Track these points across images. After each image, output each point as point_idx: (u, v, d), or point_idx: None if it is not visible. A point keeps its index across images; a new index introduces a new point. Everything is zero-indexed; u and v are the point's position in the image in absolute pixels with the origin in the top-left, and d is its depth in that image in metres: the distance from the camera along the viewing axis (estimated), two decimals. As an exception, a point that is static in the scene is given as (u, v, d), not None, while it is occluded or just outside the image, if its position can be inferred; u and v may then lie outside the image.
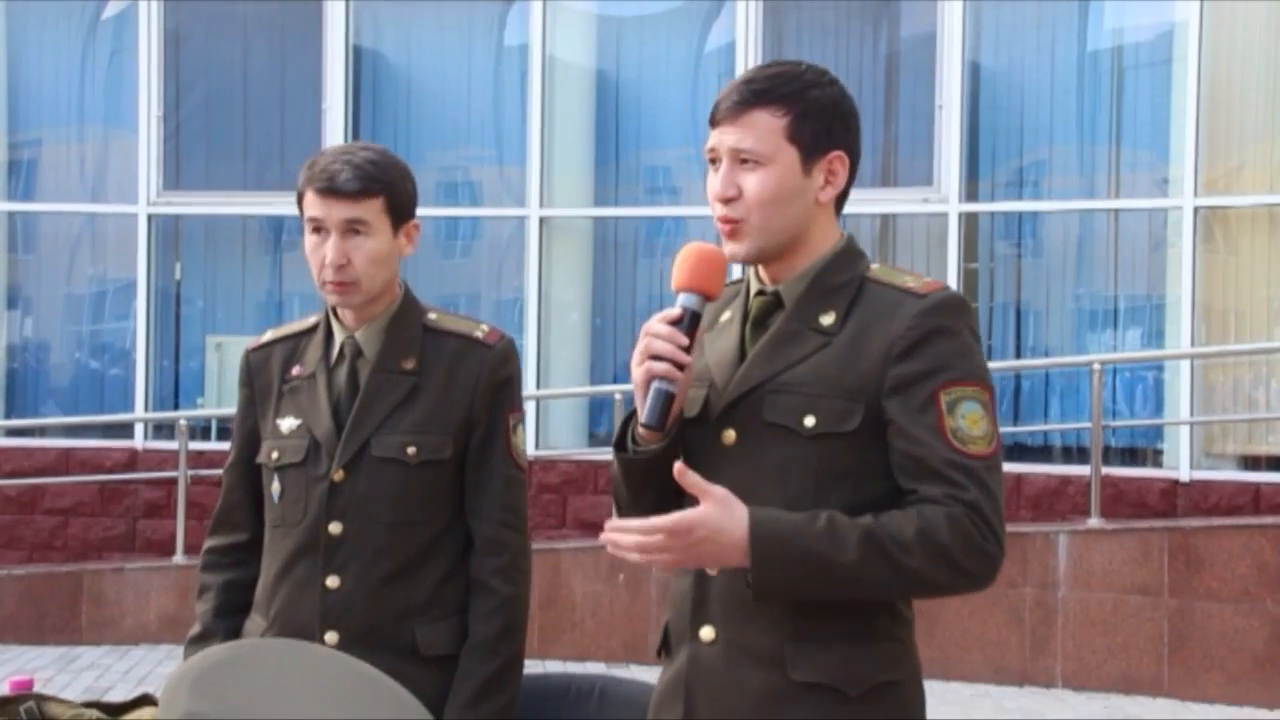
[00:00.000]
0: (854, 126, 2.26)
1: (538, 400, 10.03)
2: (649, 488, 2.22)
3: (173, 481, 9.43)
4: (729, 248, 2.20)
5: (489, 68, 10.67)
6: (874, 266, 2.23)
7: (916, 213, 9.85)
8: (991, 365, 9.55)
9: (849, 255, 2.24)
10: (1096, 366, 8.14)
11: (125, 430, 10.48)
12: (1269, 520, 7.61)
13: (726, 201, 2.18)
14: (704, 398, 2.21)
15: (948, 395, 2.10)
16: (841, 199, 2.27)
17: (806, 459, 2.12)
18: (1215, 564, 7.33)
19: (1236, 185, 9.43)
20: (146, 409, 10.53)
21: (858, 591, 2.08)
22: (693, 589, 2.21)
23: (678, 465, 2.05)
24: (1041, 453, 9.68)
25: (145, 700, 2.71)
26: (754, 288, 2.27)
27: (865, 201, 9.94)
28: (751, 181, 2.17)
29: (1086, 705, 7.31)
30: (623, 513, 2.28)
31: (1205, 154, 9.26)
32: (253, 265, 10.77)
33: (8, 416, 10.80)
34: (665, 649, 2.29)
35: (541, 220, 10.28)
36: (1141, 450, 9.55)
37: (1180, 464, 9.09)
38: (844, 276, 2.21)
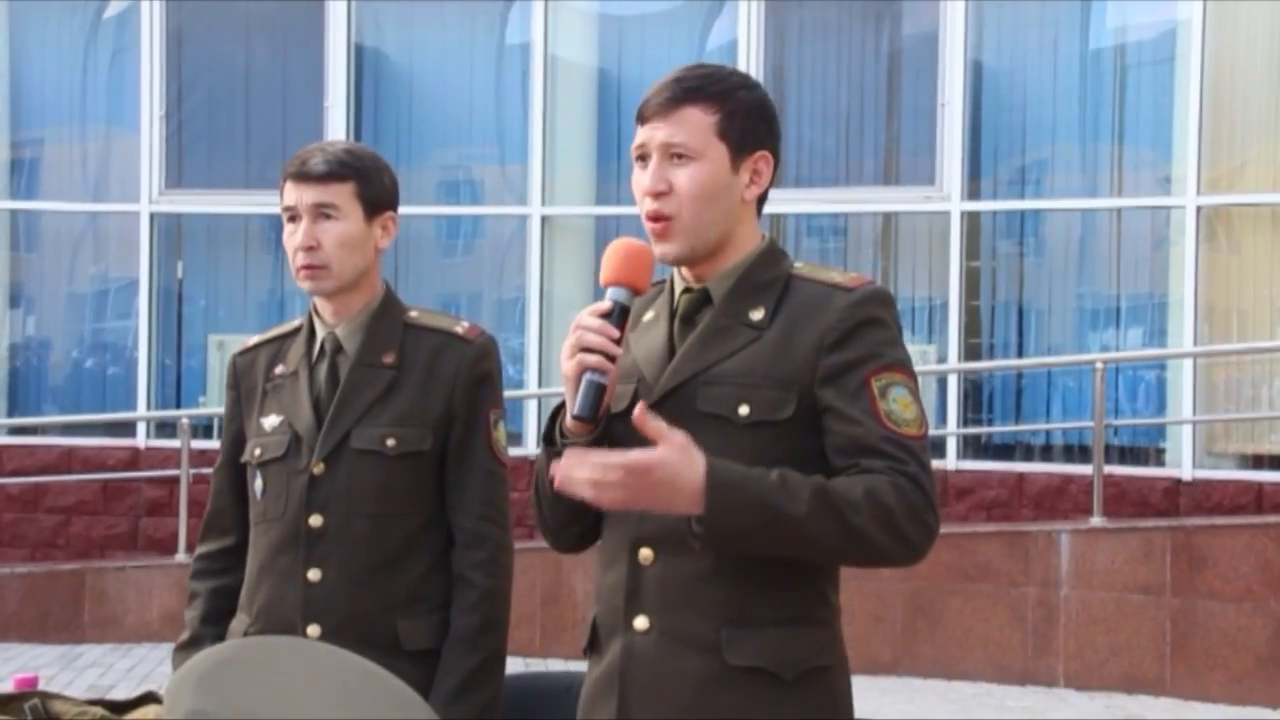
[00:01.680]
0: (776, 129, 2.30)
1: (539, 399, 10.03)
2: None
3: (175, 480, 9.43)
4: (659, 248, 2.24)
5: (491, 66, 10.68)
6: (797, 264, 2.29)
7: (918, 211, 9.85)
8: (993, 364, 9.64)
9: (772, 254, 2.29)
10: (1099, 365, 8.14)
11: (127, 429, 10.49)
12: (1271, 519, 7.61)
13: (657, 196, 2.22)
14: (632, 392, 2.24)
15: (878, 380, 2.16)
16: (762, 199, 2.31)
17: (740, 448, 2.15)
18: (1218, 563, 7.33)
19: (1239, 184, 9.42)
20: (149, 407, 10.54)
21: (800, 547, 2.11)
22: (625, 580, 2.23)
23: (638, 410, 2.07)
24: (1043, 452, 9.68)
25: (149, 698, 2.71)
26: (679, 286, 2.31)
27: (867, 200, 9.95)
28: (683, 176, 2.21)
29: (1089, 704, 7.31)
30: (544, 509, 2.32)
31: (1208, 153, 9.26)
32: (255, 264, 10.78)
33: (10, 415, 10.81)
34: (593, 645, 2.29)
35: (543, 219, 10.28)
36: (1144, 449, 9.55)
37: (1183, 463, 9.09)
38: (770, 274, 2.26)
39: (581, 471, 2.05)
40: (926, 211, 9.81)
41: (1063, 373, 9.62)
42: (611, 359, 2.15)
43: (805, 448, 2.17)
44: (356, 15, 10.59)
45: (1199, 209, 9.22)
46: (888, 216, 10.04)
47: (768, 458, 2.15)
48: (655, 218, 2.23)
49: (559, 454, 2.20)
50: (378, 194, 2.81)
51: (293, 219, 2.79)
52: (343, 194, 2.77)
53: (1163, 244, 9.58)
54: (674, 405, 2.20)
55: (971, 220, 9.80)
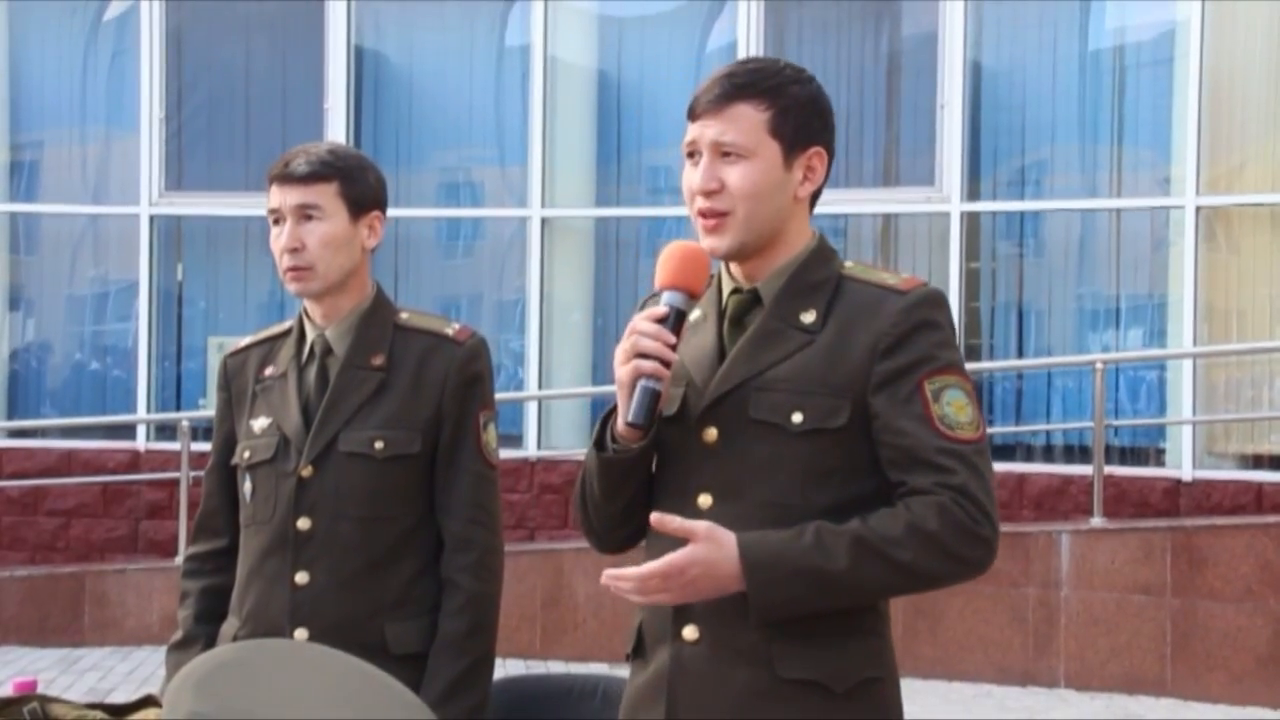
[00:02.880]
0: (831, 124, 2.25)
1: (540, 401, 10.03)
2: (625, 488, 2.22)
3: (175, 482, 9.43)
4: (710, 241, 2.20)
5: (491, 68, 10.68)
6: (848, 264, 2.25)
7: (918, 212, 9.85)
8: (993, 365, 9.63)
9: (823, 253, 2.24)
10: (1099, 366, 8.14)
11: (127, 431, 10.48)
12: (1272, 519, 7.61)
13: (709, 194, 2.18)
14: (682, 396, 2.21)
15: (932, 384, 2.13)
16: (815, 196, 2.26)
17: (794, 456, 2.12)
18: (1218, 563, 7.33)
19: (1238, 184, 9.42)
20: (148, 410, 10.54)
21: (859, 596, 2.10)
22: None
23: (654, 515, 2.06)
24: (1044, 452, 9.68)
25: (148, 701, 2.71)
26: (727, 286, 2.27)
27: (866, 201, 9.94)
28: (734, 174, 2.17)
29: (1089, 705, 7.31)
30: (589, 512, 2.28)
31: (1207, 153, 9.26)
32: (254, 266, 10.77)
33: (10, 418, 10.81)
34: (638, 651, 2.27)
35: (543, 220, 10.28)
36: (1144, 450, 9.55)
37: (1183, 463, 9.09)
38: (821, 274, 2.21)
39: (623, 585, 2.06)
40: (926, 212, 9.81)
41: (1062, 373, 9.62)
42: (667, 365, 2.12)
43: (859, 456, 2.14)
44: (356, 17, 10.59)
45: (1198, 209, 9.22)
46: (887, 218, 10.04)
47: (822, 466, 2.13)
48: (708, 214, 2.19)
49: (610, 458, 2.18)
50: (362, 193, 2.80)
51: (277, 221, 2.79)
52: (326, 194, 2.77)
53: (1162, 244, 9.58)
54: (725, 411, 2.17)
55: (971, 221, 9.80)
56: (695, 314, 2.27)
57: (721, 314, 2.25)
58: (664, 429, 2.19)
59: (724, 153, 2.18)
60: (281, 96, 10.83)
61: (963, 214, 9.69)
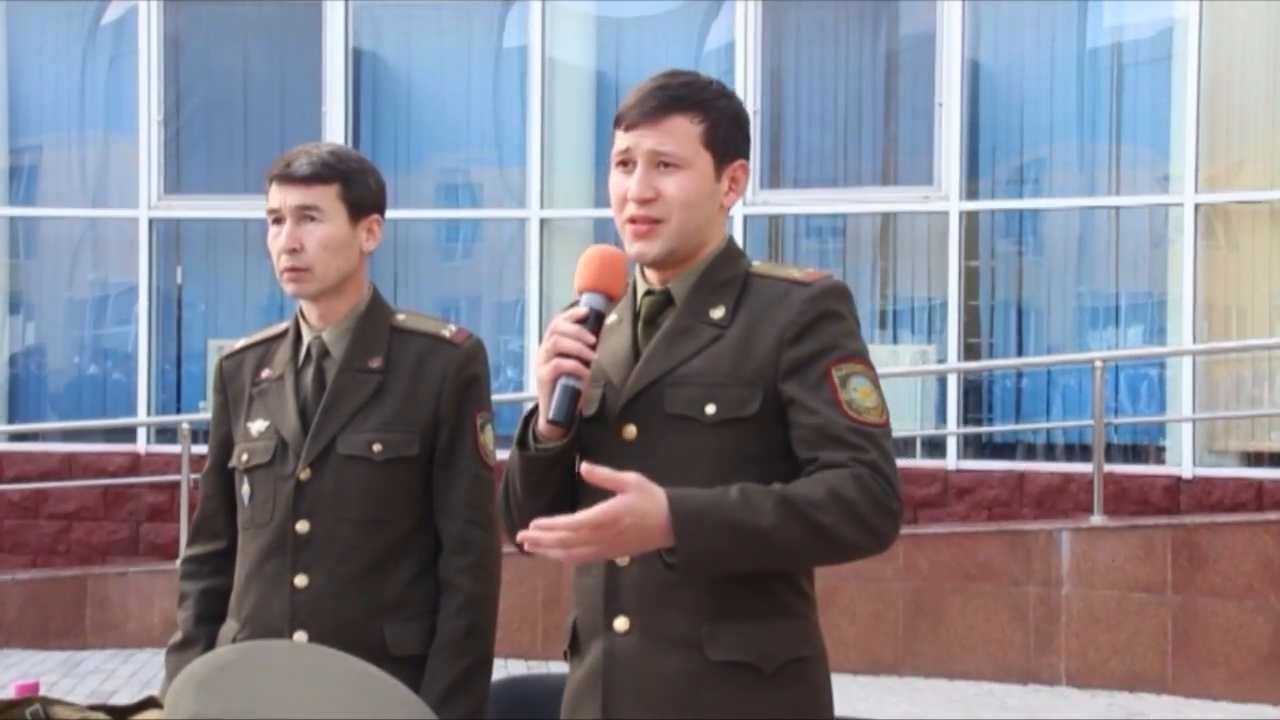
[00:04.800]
0: (749, 137, 2.36)
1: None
2: (547, 485, 2.27)
3: (175, 485, 9.44)
4: (639, 247, 2.28)
5: (489, 69, 10.68)
6: (755, 263, 2.33)
7: (917, 211, 9.85)
8: (993, 364, 9.64)
9: (731, 253, 2.33)
10: (1098, 364, 8.14)
11: (128, 434, 10.49)
12: (1272, 516, 7.61)
13: (644, 202, 2.25)
14: (600, 396, 2.27)
15: (839, 371, 2.20)
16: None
17: (709, 447, 2.19)
18: (1218, 561, 7.33)
19: (1237, 181, 9.43)
20: (149, 413, 10.54)
21: (776, 557, 2.13)
22: (604, 582, 2.25)
23: (584, 465, 2.09)
24: (1044, 450, 9.68)
25: (150, 703, 2.71)
26: (641, 288, 2.34)
27: (865, 200, 9.95)
28: (671, 184, 2.25)
29: (1090, 703, 7.31)
30: (514, 512, 2.32)
31: (1205, 150, 9.27)
32: (254, 268, 10.77)
33: (10, 421, 10.81)
34: (574, 647, 2.31)
35: (542, 221, 10.28)
36: (1144, 447, 9.55)
37: (1183, 461, 9.10)
38: (729, 273, 2.30)
39: (549, 536, 2.05)
40: (925, 211, 9.81)
41: (1062, 371, 9.63)
42: (587, 364, 2.18)
43: (773, 443, 2.20)
44: (354, 19, 10.60)
45: (1197, 207, 9.23)
46: (886, 217, 10.04)
47: (737, 454, 2.19)
48: (640, 220, 2.26)
49: (532, 456, 2.24)
50: (362, 196, 2.81)
51: (277, 221, 2.79)
52: (326, 196, 2.77)
53: (1161, 242, 9.58)
54: (641, 408, 2.24)
55: (970, 220, 9.81)
56: (612, 317, 2.33)
57: (636, 315, 2.33)
58: (585, 429, 2.26)
59: (661, 163, 2.26)
60: (280, 99, 10.83)
61: (961, 213, 9.69)
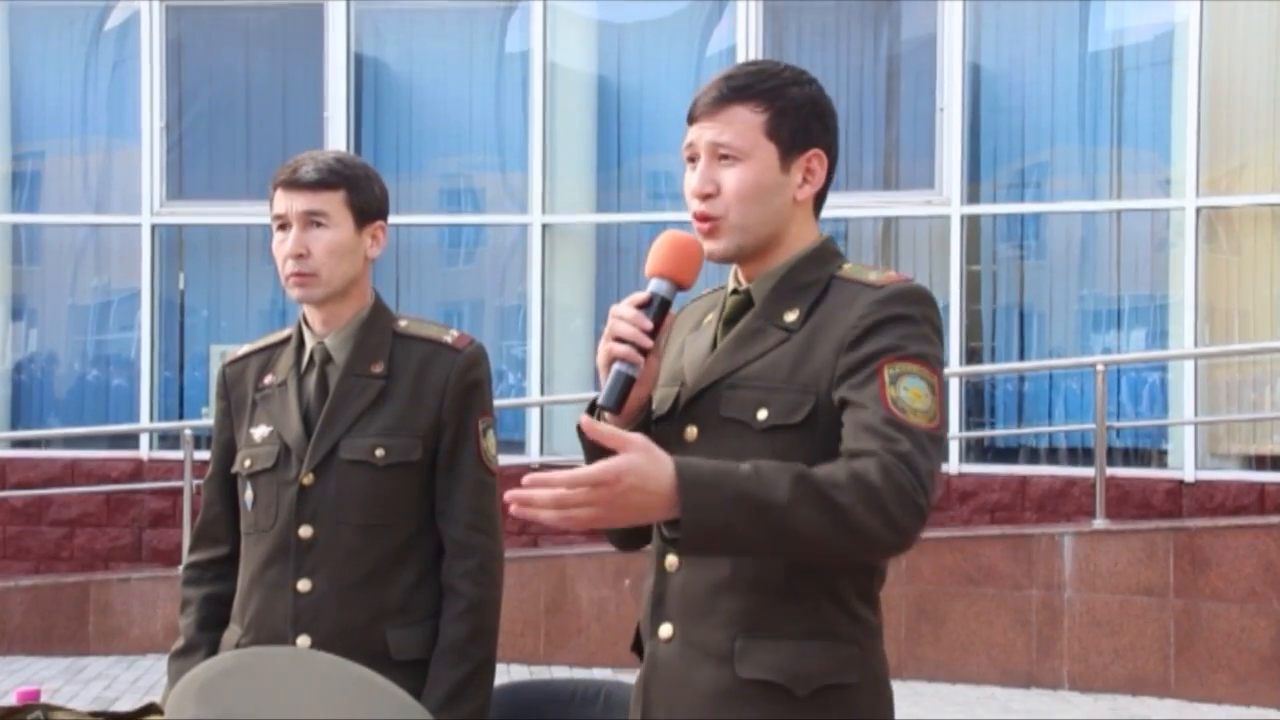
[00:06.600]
0: (832, 126, 2.23)
1: (542, 406, 10.03)
2: None
3: (178, 491, 9.44)
4: (707, 246, 2.19)
5: (490, 74, 10.69)
6: (846, 266, 2.21)
7: (918, 215, 9.85)
8: (995, 368, 9.63)
9: (822, 254, 2.22)
10: (1100, 367, 8.14)
11: (130, 440, 10.49)
12: (1274, 520, 7.61)
13: (704, 198, 2.17)
14: (675, 395, 2.20)
15: (891, 369, 2.06)
16: (820, 199, 2.25)
17: (760, 452, 2.05)
18: (1221, 564, 7.33)
19: (1238, 185, 9.43)
20: (151, 419, 10.55)
21: (789, 539, 1.94)
22: (654, 587, 2.20)
23: (584, 418, 2.01)
24: (1046, 454, 9.68)
25: (152, 709, 2.71)
26: (729, 287, 2.27)
27: (867, 205, 9.95)
28: (729, 177, 2.16)
29: (1093, 707, 7.31)
30: None
31: (1207, 154, 9.27)
32: (256, 274, 10.78)
33: (13, 428, 10.82)
34: (638, 649, 2.27)
35: (544, 226, 10.29)
36: (1146, 451, 9.55)
37: (1185, 464, 9.09)
38: (813, 275, 2.19)
39: (543, 494, 1.88)
40: (926, 215, 9.81)
41: (1064, 375, 9.63)
42: (643, 350, 2.10)
43: (828, 452, 2.05)
44: (356, 25, 10.60)
45: (1198, 210, 9.23)
46: (888, 221, 10.04)
47: (785, 461, 2.04)
48: (702, 218, 2.18)
49: (591, 442, 2.09)
50: (368, 203, 2.82)
51: (283, 227, 2.80)
52: (333, 202, 2.78)
53: (1163, 245, 9.58)
54: (701, 409, 2.16)
55: (971, 224, 9.81)
56: (709, 317, 2.27)
57: (721, 315, 2.26)
58: (658, 427, 2.19)
59: (720, 155, 2.17)
60: (282, 105, 10.84)
61: (963, 217, 9.70)
